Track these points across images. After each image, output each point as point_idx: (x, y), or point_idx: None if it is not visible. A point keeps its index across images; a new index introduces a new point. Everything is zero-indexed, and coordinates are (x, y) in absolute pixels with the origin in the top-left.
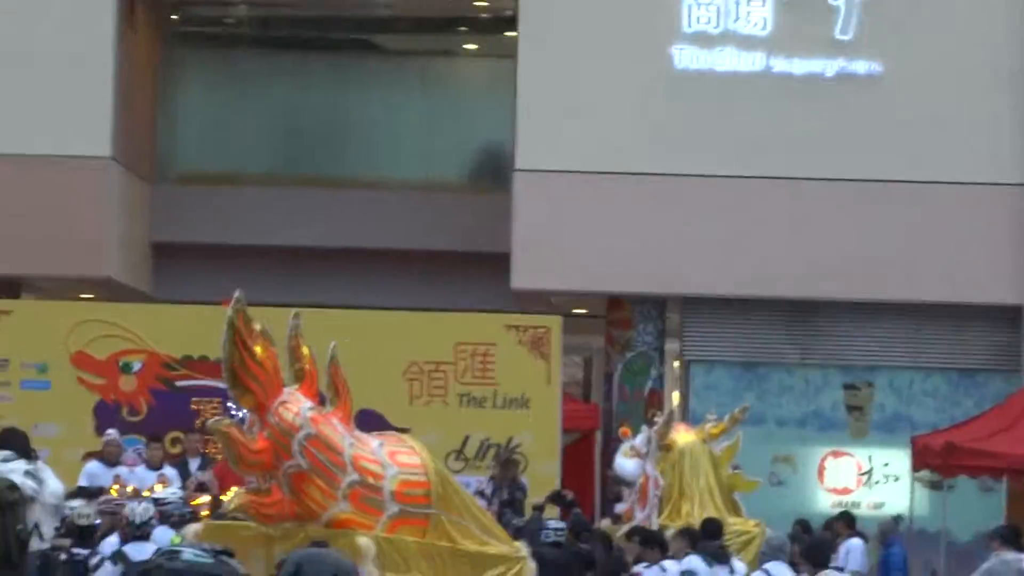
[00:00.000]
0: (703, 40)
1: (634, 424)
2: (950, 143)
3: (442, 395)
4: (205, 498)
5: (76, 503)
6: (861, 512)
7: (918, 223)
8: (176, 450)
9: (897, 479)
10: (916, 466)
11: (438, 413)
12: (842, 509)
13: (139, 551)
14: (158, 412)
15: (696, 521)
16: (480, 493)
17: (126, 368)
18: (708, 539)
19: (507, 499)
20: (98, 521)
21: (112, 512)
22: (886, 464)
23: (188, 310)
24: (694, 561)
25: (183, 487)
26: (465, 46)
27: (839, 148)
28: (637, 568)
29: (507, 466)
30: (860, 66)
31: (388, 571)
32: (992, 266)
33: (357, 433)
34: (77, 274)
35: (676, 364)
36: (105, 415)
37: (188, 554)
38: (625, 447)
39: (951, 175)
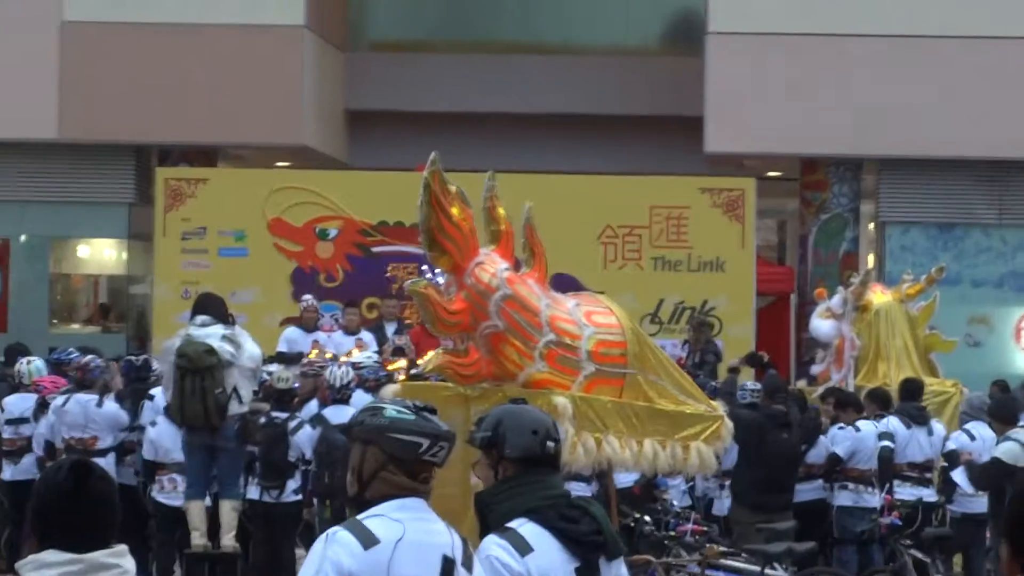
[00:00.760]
0: None
1: (829, 286)
2: None
3: (636, 259)
4: (401, 362)
5: (274, 368)
6: None
7: None
8: (372, 315)
9: None
10: None
11: (632, 277)
12: None
13: (338, 414)
14: (354, 278)
15: (893, 382)
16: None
17: (323, 235)
18: (908, 399)
19: (699, 361)
20: (296, 385)
21: (313, 375)
22: None
23: (383, 177)
24: (892, 423)
25: (379, 352)
26: None
27: None
28: (832, 429)
29: (701, 329)
30: None
31: (584, 430)
32: None
33: (553, 294)
34: (273, 142)
35: (871, 226)
36: (302, 281)
37: (390, 410)
38: (821, 308)
39: None
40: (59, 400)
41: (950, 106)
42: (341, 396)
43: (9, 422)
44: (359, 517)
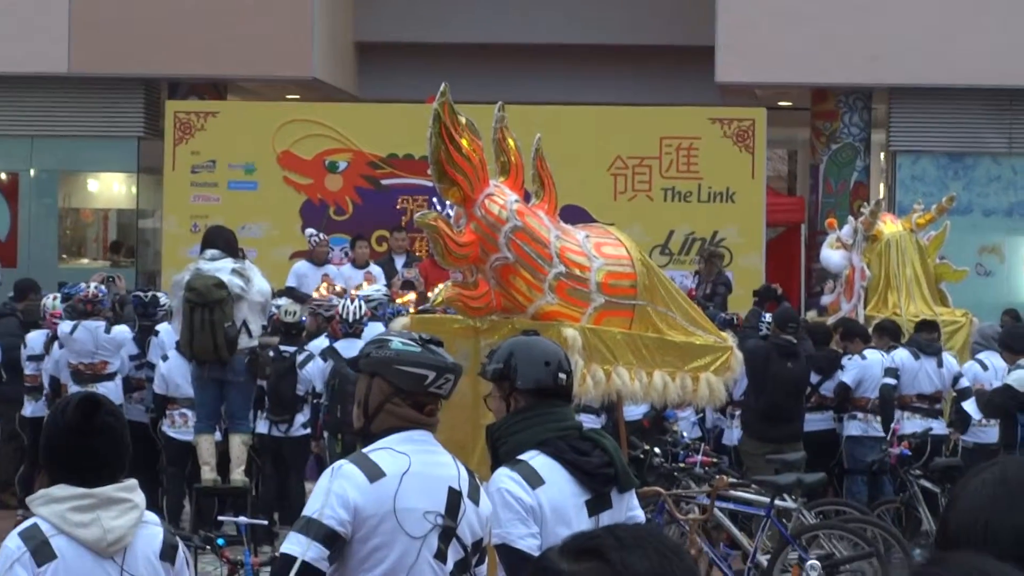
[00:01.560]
0: None
1: (840, 216)
2: None
3: (646, 189)
4: (411, 295)
5: (283, 301)
6: None
7: None
8: (382, 248)
9: None
10: None
11: (642, 207)
12: None
13: (350, 347)
14: (364, 211)
15: (903, 312)
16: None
17: (332, 167)
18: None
19: (709, 293)
20: (304, 318)
21: (326, 314)
22: None
23: (393, 109)
24: (900, 355)
25: (388, 285)
26: None
27: None
28: (843, 360)
29: (712, 260)
30: None
31: (594, 362)
32: None
33: (563, 225)
34: (282, 75)
35: (882, 155)
36: (311, 214)
37: (396, 343)
38: (831, 238)
39: None
40: (67, 327)
41: (960, 35)
42: (353, 330)
43: (31, 358)
44: (365, 450)
